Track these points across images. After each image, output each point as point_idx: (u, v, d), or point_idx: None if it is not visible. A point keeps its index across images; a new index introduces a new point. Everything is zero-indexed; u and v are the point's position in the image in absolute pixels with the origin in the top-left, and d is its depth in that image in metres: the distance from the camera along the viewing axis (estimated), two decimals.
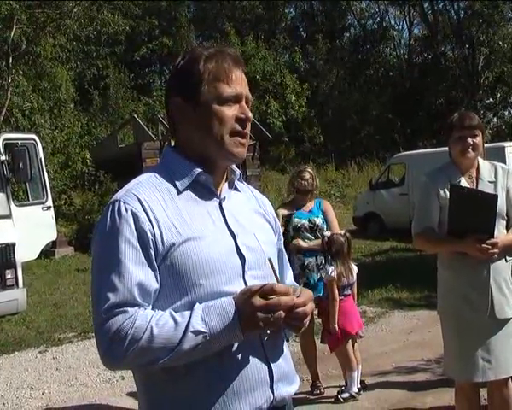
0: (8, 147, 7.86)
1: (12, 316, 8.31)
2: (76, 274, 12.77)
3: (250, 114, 1.83)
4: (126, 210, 1.70)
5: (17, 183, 9.74)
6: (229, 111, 1.79)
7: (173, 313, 1.65)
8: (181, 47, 29.72)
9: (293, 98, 26.16)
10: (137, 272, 1.66)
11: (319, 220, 5.51)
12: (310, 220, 5.49)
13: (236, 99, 1.81)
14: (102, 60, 28.10)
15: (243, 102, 1.82)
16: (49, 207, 8.36)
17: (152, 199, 1.73)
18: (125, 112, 27.05)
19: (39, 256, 9.67)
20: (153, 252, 1.69)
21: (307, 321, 1.77)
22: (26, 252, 7.72)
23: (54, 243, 12.92)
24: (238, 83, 1.82)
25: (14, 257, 7.33)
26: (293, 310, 1.69)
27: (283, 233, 5.20)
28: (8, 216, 7.62)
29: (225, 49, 1.86)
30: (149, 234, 1.69)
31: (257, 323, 1.64)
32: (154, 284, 1.68)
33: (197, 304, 1.65)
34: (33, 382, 6.34)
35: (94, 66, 27.27)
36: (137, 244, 1.68)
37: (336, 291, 5.26)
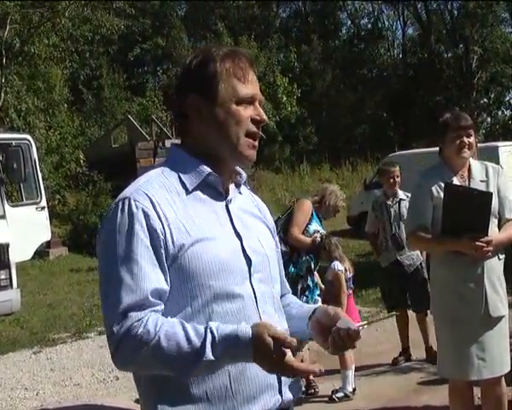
0: (2, 147, 7.84)
1: (6, 317, 8.28)
2: (70, 275, 12.73)
3: (265, 117, 1.82)
4: (137, 208, 1.67)
5: (11, 183, 9.73)
6: (245, 112, 1.78)
7: (186, 325, 1.60)
8: (173, 47, 29.67)
9: (284, 98, 26.18)
10: (151, 272, 1.64)
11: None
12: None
13: (252, 100, 1.80)
14: (96, 60, 28.02)
15: (257, 104, 1.81)
16: (43, 208, 8.34)
17: (162, 198, 1.71)
18: (118, 112, 26.98)
19: (33, 257, 9.64)
20: (163, 252, 1.66)
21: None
22: (19, 252, 7.71)
23: (48, 244, 12.87)
24: (253, 84, 1.81)
25: (7, 258, 7.32)
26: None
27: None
28: (2, 216, 7.61)
29: (239, 50, 1.86)
30: (160, 234, 1.66)
31: (268, 363, 1.60)
32: (164, 286, 1.66)
33: (212, 325, 1.60)
34: (27, 382, 6.33)
35: (87, 66, 27.19)
36: (149, 244, 1.65)
37: (345, 284, 5.29)
